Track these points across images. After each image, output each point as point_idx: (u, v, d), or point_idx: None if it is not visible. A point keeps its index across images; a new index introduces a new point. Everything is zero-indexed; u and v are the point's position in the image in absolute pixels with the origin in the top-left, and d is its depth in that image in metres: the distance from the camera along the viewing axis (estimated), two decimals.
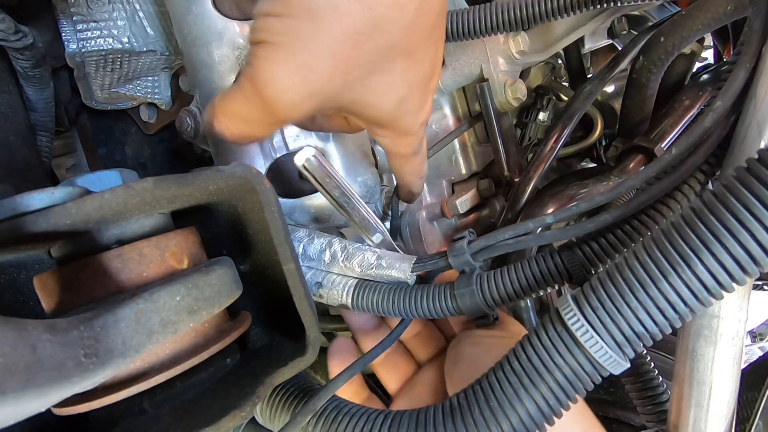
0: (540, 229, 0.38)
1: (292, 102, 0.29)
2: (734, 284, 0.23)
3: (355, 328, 0.45)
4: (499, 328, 0.38)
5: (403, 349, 0.46)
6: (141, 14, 0.60)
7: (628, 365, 0.25)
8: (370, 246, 0.42)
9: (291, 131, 0.48)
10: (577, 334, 0.25)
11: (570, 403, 0.26)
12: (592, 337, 0.25)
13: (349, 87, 0.31)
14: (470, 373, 0.32)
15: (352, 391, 0.43)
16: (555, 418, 0.26)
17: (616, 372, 0.26)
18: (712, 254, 0.22)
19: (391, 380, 0.44)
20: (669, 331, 0.24)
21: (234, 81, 0.44)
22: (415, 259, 0.40)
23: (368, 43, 0.29)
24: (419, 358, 0.45)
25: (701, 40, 0.56)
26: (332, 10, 0.27)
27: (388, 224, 0.58)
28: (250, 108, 0.31)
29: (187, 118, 0.53)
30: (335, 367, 0.43)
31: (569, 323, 0.26)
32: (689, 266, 0.23)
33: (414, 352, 0.45)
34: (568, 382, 0.25)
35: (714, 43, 0.65)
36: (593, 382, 0.26)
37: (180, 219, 0.33)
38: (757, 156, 0.22)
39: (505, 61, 0.52)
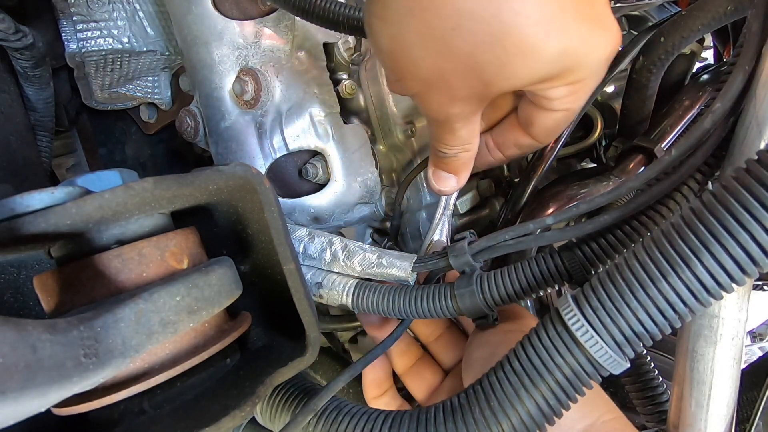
0: (540, 229, 0.38)
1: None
2: (733, 285, 0.23)
3: (365, 322, 0.46)
4: (509, 323, 0.38)
5: (429, 358, 0.46)
6: (141, 14, 0.60)
7: (628, 365, 0.26)
8: (370, 245, 0.42)
9: (291, 131, 0.48)
10: (577, 334, 0.25)
11: (570, 403, 0.26)
12: (592, 337, 0.25)
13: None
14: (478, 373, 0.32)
15: (383, 404, 0.43)
16: (563, 410, 0.26)
17: (616, 372, 0.26)
18: (712, 255, 0.22)
19: (418, 390, 0.44)
20: (669, 331, 0.24)
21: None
22: (415, 258, 0.40)
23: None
24: (444, 364, 0.45)
25: (701, 40, 0.56)
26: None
27: (389, 224, 0.58)
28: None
29: (187, 118, 0.53)
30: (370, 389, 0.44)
31: (569, 323, 0.26)
32: (689, 267, 0.23)
33: (438, 357, 0.45)
34: (568, 382, 0.26)
35: (714, 43, 0.65)
36: (593, 382, 0.26)
37: (180, 219, 0.33)
38: (756, 157, 0.22)
39: None
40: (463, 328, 0.46)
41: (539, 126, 0.36)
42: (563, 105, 0.34)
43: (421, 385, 0.44)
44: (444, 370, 0.45)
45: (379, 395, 0.43)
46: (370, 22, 0.31)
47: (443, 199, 0.46)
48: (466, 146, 0.37)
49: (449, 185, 0.41)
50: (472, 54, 0.29)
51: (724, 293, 0.23)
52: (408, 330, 0.46)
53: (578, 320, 0.25)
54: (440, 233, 0.46)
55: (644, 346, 0.25)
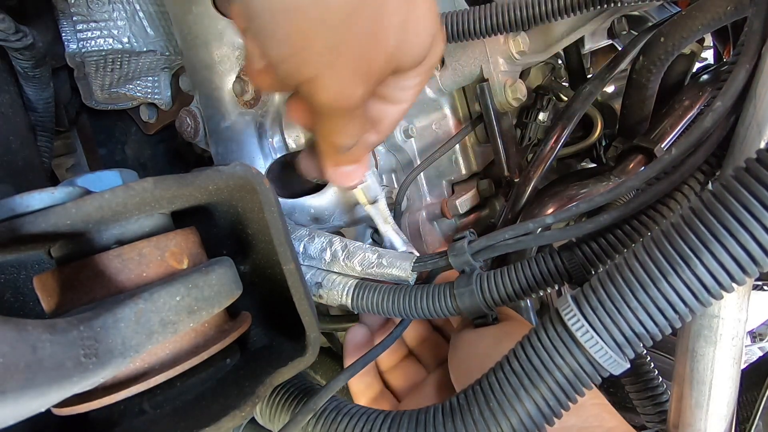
0: (540, 229, 0.38)
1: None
2: (734, 284, 0.23)
3: (367, 324, 0.46)
4: (498, 325, 0.38)
5: (412, 357, 0.46)
6: (141, 14, 0.60)
7: (628, 366, 0.25)
8: (370, 245, 0.42)
9: (291, 131, 0.48)
10: (577, 334, 0.25)
11: (570, 404, 0.26)
12: (592, 337, 0.25)
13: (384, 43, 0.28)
14: (473, 371, 0.32)
15: (365, 384, 0.43)
16: (563, 411, 0.26)
17: (616, 372, 0.26)
18: (712, 254, 0.22)
19: (400, 385, 0.44)
20: (669, 331, 0.24)
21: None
22: (415, 258, 0.40)
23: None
24: (428, 366, 0.45)
25: (701, 40, 0.56)
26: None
27: None
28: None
29: (187, 118, 0.53)
30: (350, 358, 0.42)
31: (569, 323, 0.26)
32: (689, 266, 0.23)
33: (423, 359, 0.46)
34: (568, 383, 0.25)
35: (714, 43, 0.65)
36: (593, 383, 0.26)
37: (180, 219, 0.33)
38: (755, 156, 0.22)
39: (505, 62, 0.52)
40: (446, 334, 0.47)
41: (388, 121, 0.35)
42: (412, 96, 0.33)
43: (404, 381, 0.44)
44: (427, 370, 0.45)
45: (371, 398, 0.43)
46: None
47: (375, 214, 0.44)
48: (364, 130, 0.33)
49: (358, 174, 0.37)
50: (384, 14, 0.26)
51: (724, 293, 0.23)
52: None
53: (578, 320, 0.25)
54: (401, 242, 0.44)
55: (644, 346, 0.25)
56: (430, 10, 0.29)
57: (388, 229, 0.44)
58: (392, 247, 0.44)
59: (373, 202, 0.44)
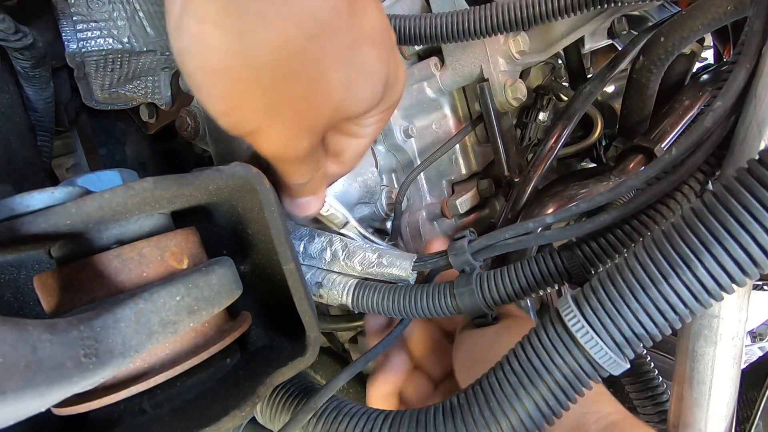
0: (540, 229, 0.38)
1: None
2: (734, 285, 0.23)
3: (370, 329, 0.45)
4: (500, 323, 0.38)
5: (422, 371, 0.45)
6: (141, 14, 0.60)
7: (628, 366, 0.25)
8: (370, 244, 0.42)
9: None
10: (577, 334, 0.25)
11: (570, 403, 0.26)
12: (592, 338, 0.25)
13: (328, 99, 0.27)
14: (476, 370, 0.32)
15: (382, 397, 0.43)
16: (562, 411, 0.26)
17: (616, 373, 0.26)
18: (713, 256, 0.22)
19: (411, 398, 0.43)
20: (669, 332, 0.24)
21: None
22: (415, 257, 0.40)
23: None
24: (436, 377, 0.44)
25: (701, 40, 0.56)
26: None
27: (389, 224, 0.58)
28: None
29: (187, 118, 0.53)
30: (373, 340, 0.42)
31: (569, 324, 0.26)
32: (689, 268, 0.23)
33: (431, 372, 0.45)
34: (568, 383, 0.25)
35: (714, 43, 0.65)
36: (593, 382, 0.26)
37: (180, 219, 0.33)
38: (757, 157, 0.22)
39: (505, 62, 0.52)
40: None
41: (350, 153, 0.35)
42: (375, 130, 0.33)
43: (414, 394, 0.43)
44: (435, 382, 0.44)
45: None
46: (190, 29, 0.23)
47: (350, 234, 0.43)
48: (319, 166, 0.33)
49: (315, 206, 0.37)
50: (324, 72, 0.25)
51: (724, 294, 0.23)
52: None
53: (578, 321, 0.25)
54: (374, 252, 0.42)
55: (644, 346, 0.25)
56: (378, 58, 0.28)
57: (366, 248, 0.43)
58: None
59: (344, 225, 0.43)
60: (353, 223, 0.43)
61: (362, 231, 0.43)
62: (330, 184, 0.38)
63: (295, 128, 0.27)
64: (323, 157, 0.33)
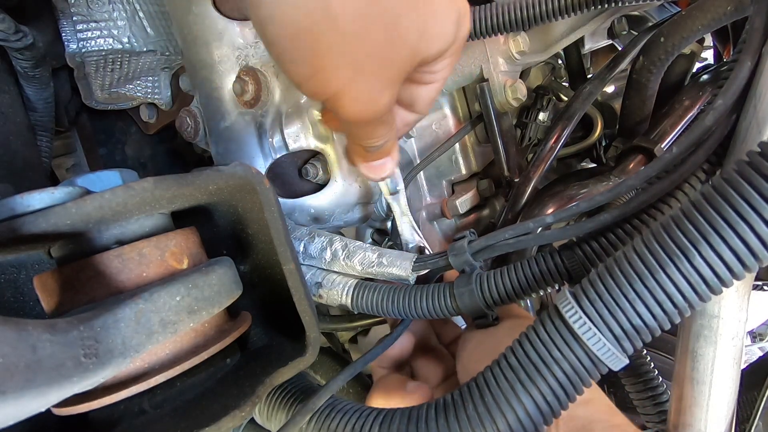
0: (540, 228, 0.38)
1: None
2: (733, 279, 0.22)
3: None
4: (504, 323, 0.38)
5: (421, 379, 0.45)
6: (141, 14, 0.60)
7: (627, 361, 0.25)
8: (370, 245, 0.42)
9: (291, 131, 0.48)
10: (575, 327, 0.25)
11: (569, 401, 0.26)
12: (590, 329, 0.24)
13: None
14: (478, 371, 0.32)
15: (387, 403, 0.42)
16: (561, 409, 0.25)
17: (615, 368, 0.25)
18: (711, 247, 0.22)
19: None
20: (667, 326, 0.24)
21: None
22: (415, 257, 0.40)
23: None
24: (434, 385, 0.44)
25: (701, 41, 0.56)
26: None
27: (389, 224, 0.58)
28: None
29: (187, 118, 0.53)
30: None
31: (567, 317, 0.25)
32: (688, 259, 0.23)
33: (429, 379, 0.44)
34: (567, 378, 0.25)
35: (714, 43, 0.65)
36: (592, 378, 0.25)
37: (180, 219, 0.33)
38: (758, 149, 0.22)
39: (505, 62, 0.52)
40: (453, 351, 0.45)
41: (423, 100, 0.36)
42: (444, 74, 0.34)
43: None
44: (432, 389, 0.44)
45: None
46: None
47: (394, 205, 0.45)
48: (394, 126, 0.34)
49: (389, 168, 0.38)
50: (398, 18, 0.25)
51: (723, 288, 0.23)
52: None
53: (576, 313, 0.25)
54: (416, 237, 0.44)
55: (644, 345, 0.25)
56: None
57: (405, 221, 0.45)
58: (405, 240, 0.45)
59: (394, 193, 0.44)
60: (402, 193, 0.45)
61: (405, 204, 0.45)
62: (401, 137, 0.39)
63: (378, 81, 0.27)
64: (395, 121, 0.34)
